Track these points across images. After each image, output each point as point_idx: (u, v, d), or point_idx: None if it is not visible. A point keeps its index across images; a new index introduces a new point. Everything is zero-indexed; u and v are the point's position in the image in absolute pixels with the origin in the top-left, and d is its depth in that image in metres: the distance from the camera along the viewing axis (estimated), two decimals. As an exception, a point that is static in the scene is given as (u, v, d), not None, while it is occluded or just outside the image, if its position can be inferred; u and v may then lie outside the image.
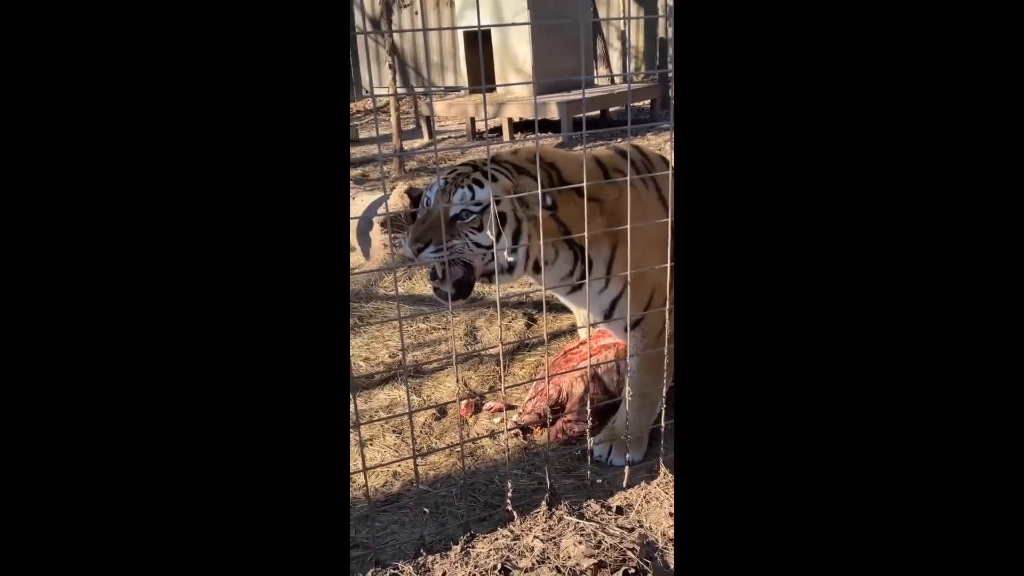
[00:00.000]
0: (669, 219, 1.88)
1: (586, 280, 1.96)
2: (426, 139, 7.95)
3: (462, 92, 8.69)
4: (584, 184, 1.65)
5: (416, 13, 11.29)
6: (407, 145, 7.60)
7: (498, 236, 1.82)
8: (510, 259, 1.88)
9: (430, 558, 1.61)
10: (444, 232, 1.69)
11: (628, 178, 1.71)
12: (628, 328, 2.03)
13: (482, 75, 1.21)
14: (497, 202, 1.82)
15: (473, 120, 8.10)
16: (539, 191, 1.70)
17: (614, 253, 1.99)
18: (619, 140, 6.33)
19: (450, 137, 8.50)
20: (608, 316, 2.09)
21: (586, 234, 1.72)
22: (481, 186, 1.84)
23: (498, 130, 7.91)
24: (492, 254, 1.82)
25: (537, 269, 1.93)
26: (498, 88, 7.94)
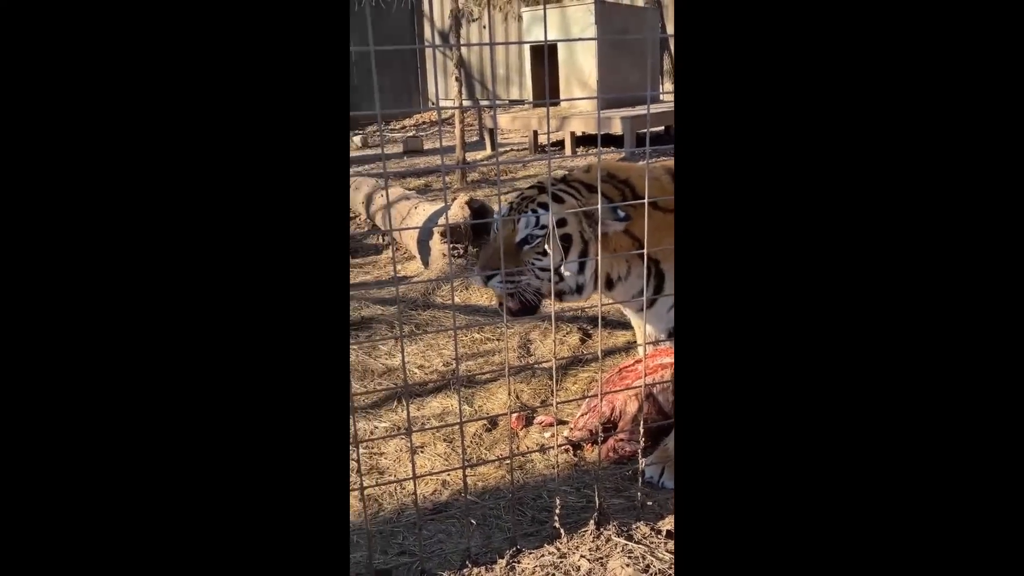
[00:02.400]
0: None
1: (653, 296, 1.93)
2: (488, 151, 8.02)
3: (526, 105, 8.74)
4: (648, 198, 1.63)
5: (484, 27, 11.44)
6: (470, 157, 7.67)
7: (563, 259, 1.81)
8: (579, 280, 1.87)
9: (475, 570, 1.61)
10: (502, 260, 1.64)
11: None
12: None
13: (546, 89, 1.21)
14: (564, 224, 1.80)
15: (536, 133, 8.14)
16: (598, 208, 1.68)
17: None
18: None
19: (512, 150, 8.55)
20: (675, 333, 2.05)
21: (646, 247, 1.69)
22: (547, 209, 1.83)
23: (560, 144, 7.92)
24: (559, 276, 1.81)
25: (609, 286, 1.92)
26: (562, 102, 7.95)
